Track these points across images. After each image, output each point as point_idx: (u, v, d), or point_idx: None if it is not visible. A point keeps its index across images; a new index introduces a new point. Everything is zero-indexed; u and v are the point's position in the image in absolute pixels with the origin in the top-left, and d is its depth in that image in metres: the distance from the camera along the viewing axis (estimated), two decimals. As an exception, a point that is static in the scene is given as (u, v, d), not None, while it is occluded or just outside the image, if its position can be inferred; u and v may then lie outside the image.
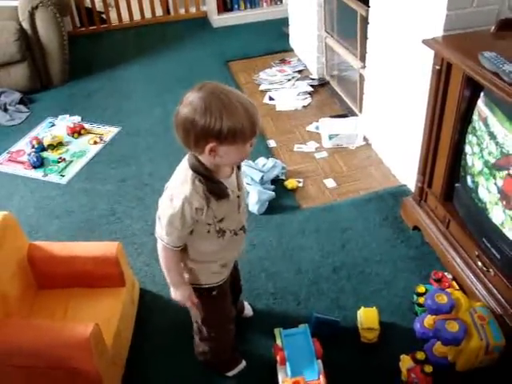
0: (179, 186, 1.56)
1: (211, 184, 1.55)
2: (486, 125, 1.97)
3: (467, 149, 2.16)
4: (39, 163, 3.48)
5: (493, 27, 2.12)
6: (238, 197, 1.68)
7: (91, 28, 5.69)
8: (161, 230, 1.63)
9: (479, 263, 2.18)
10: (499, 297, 2.09)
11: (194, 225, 1.61)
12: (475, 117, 2.06)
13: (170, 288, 1.80)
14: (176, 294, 1.80)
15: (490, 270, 2.11)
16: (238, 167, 1.69)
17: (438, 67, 2.16)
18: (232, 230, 1.71)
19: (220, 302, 1.88)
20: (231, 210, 1.66)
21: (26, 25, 4.19)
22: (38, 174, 3.42)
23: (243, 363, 2.11)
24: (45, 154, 3.60)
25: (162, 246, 1.67)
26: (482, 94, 2.00)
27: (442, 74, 2.16)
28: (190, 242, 1.69)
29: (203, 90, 1.45)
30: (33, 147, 3.60)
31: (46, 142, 3.66)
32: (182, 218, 1.56)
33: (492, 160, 1.97)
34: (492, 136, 1.94)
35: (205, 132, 1.42)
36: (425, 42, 2.17)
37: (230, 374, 2.09)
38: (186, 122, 1.45)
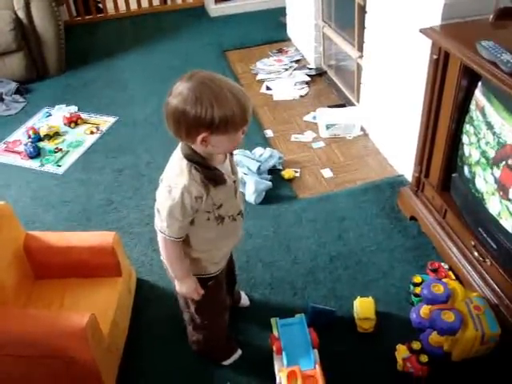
0: (176, 177, 1.54)
1: (207, 171, 1.54)
2: (484, 114, 1.97)
3: (464, 139, 2.16)
4: (36, 153, 3.48)
5: (491, 16, 2.11)
6: (234, 182, 1.67)
7: (87, 17, 5.65)
8: (161, 223, 1.61)
9: (475, 253, 2.19)
10: (495, 287, 2.09)
11: (194, 214, 1.60)
12: (472, 106, 2.05)
13: (175, 281, 1.79)
14: (181, 288, 1.78)
15: (487, 260, 2.11)
16: (231, 153, 1.69)
17: (435, 56, 2.15)
18: (230, 216, 1.71)
19: (215, 292, 1.88)
20: (229, 196, 1.66)
21: (21, 14, 4.17)
22: (34, 164, 3.41)
23: (239, 352, 2.12)
24: (41, 144, 3.59)
25: (163, 239, 1.65)
26: (479, 83, 1.99)
27: (440, 64, 2.15)
28: (192, 231, 1.68)
29: (193, 79, 1.43)
30: (29, 137, 3.60)
31: (42, 132, 3.65)
32: (182, 208, 1.55)
33: (489, 150, 1.97)
34: (489, 126, 1.94)
35: (196, 122, 1.41)
36: (422, 31, 2.16)
37: (226, 362, 2.10)
38: (176, 113, 1.44)
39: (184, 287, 1.77)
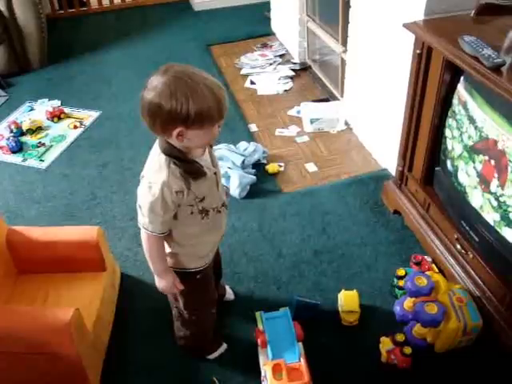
0: (155, 173, 1.54)
1: (186, 165, 1.54)
2: (466, 109, 1.98)
3: (447, 133, 2.17)
4: (18, 148, 3.45)
5: (473, 11, 2.12)
6: (215, 173, 1.67)
7: (70, 11, 5.60)
8: (143, 219, 1.60)
9: (458, 246, 2.21)
10: (477, 279, 2.12)
11: (176, 208, 1.60)
12: (455, 101, 2.07)
13: (155, 277, 1.78)
14: (161, 283, 1.77)
15: (469, 252, 2.13)
16: (210, 145, 1.69)
17: (418, 51, 2.17)
18: (215, 208, 1.71)
19: (203, 286, 1.88)
20: (211, 188, 1.66)
21: (2, 7, 4.13)
22: (16, 159, 3.38)
23: (224, 346, 2.13)
24: (24, 139, 3.56)
25: (146, 236, 1.65)
26: (461, 78, 2.00)
27: (423, 58, 2.16)
28: (176, 225, 1.68)
29: (168, 73, 1.41)
30: (11, 132, 3.56)
31: (24, 127, 3.62)
32: (163, 204, 1.54)
33: (471, 144, 1.98)
34: (471, 120, 1.95)
35: (171, 117, 1.41)
36: (405, 25, 2.17)
37: (211, 356, 2.10)
38: (151, 107, 1.43)
39: (162, 282, 1.77)
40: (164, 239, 1.70)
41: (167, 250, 1.75)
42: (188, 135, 1.46)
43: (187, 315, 1.94)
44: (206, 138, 1.51)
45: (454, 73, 2.05)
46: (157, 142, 1.57)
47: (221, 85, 1.46)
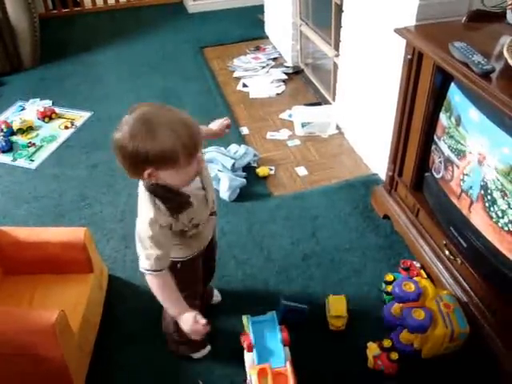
0: (144, 211, 1.56)
1: (170, 201, 1.54)
2: (456, 114, 1.99)
3: (437, 138, 2.17)
4: (8, 147, 3.43)
5: (464, 18, 2.13)
6: (205, 194, 1.68)
7: (64, 11, 5.60)
8: (142, 258, 1.59)
9: (447, 252, 2.21)
10: (465, 285, 2.12)
11: (170, 242, 1.63)
12: (445, 106, 2.07)
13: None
14: (185, 324, 1.61)
15: (457, 258, 2.13)
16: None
17: (409, 56, 2.17)
18: (204, 221, 1.73)
19: (185, 276, 1.82)
20: (199, 209, 1.66)
21: (-5, 5, 4.11)
22: (6, 159, 3.36)
23: (208, 347, 2.12)
24: (14, 139, 3.55)
25: (149, 278, 1.61)
26: (452, 83, 2.01)
27: (414, 64, 2.16)
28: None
29: (134, 113, 1.42)
30: (1, 131, 3.54)
31: (15, 126, 3.60)
32: (154, 240, 1.54)
33: (461, 149, 1.99)
34: (460, 125, 1.96)
35: (134, 158, 1.41)
36: (397, 31, 2.17)
37: (195, 356, 2.10)
38: (117, 148, 1.43)
39: (184, 326, 1.62)
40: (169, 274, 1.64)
41: None
42: (160, 175, 1.47)
43: None
44: (182, 177, 1.50)
45: (444, 78, 2.05)
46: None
47: (191, 123, 1.44)
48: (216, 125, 1.93)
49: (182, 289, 1.86)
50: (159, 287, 1.62)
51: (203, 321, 1.59)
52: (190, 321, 1.58)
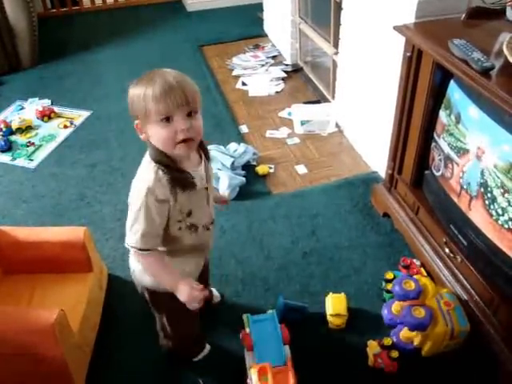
0: (142, 179, 1.50)
1: (174, 173, 1.48)
2: (455, 112, 1.98)
3: (437, 136, 2.17)
4: (7, 147, 3.43)
5: (463, 15, 2.13)
6: (206, 188, 1.63)
7: (63, 10, 5.60)
8: (128, 233, 1.54)
9: (447, 250, 2.20)
10: (465, 283, 2.11)
11: (162, 223, 1.53)
12: (445, 104, 2.07)
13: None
14: (181, 294, 1.57)
15: (457, 256, 2.13)
16: (207, 158, 1.64)
17: (408, 54, 2.16)
18: (204, 225, 1.68)
19: (184, 304, 1.71)
20: (199, 203, 1.62)
21: (-7, 5, 4.10)
22: (5, 158, 3.36)
23: (207, 348, 2.12)
24: (13, 138, 3.54)
25: (135, 255, 1.60)
26: (451, 81, 2.00)
27: (413, 61, 2.16)
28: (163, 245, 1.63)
29: None
30: (0, 131, 3.54)
31: (14, 126, 3.60)
32: (146, 212, 1.48)
33: (460, 147, 1.98)
34: (459, 123, 1.95)
35: (129, 106, 1.46)
36: (396, 28, 2.17)
37: (196, 359, 2.09)
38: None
39: (181, 295, 1.57)
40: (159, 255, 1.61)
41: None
42: (148, 131, 1.46)
43: (169, 330, 1.93)
44: (165, 136, 1.43)
45: (443, 76, 2.05)
46: (147, 151, 1.54)
47: (187, 82, 1.45)
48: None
49: (183, 316, 1.81)
50: (150, 266, 1.61)
51: (199, 286, 1.57)
52: (187, 290, 1.55)
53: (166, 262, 1.63)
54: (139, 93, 1.40)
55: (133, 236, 1.52)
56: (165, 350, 2.08)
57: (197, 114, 1.46)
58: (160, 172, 1.48)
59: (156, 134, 1.45)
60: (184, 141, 1.44)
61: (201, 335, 2.10)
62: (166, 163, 1.48)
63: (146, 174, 1.49)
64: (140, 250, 1.54)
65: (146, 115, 1.41)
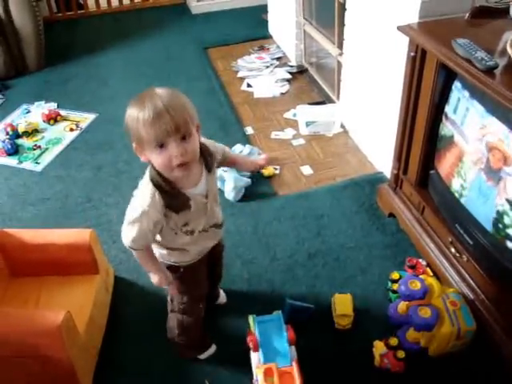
0: (140, 199, 1.57)
1: (170, 198, 1.54)
2: (460, 111, 1.98)
3: (441, 136, 2.17)
4: (14, 150, 3.44)
5: (467, 14, 2.12)
6: (206, 203, 1.67)
7: (68, 13, 5.62)
8: (122, 232, 1.64)
9: (453, 249, 2.20)
10: (471, 282, 2.11)
11: (153, 234, 1.63)
12: (449, 103, 2.06)
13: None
14: (153, 279, 1.80)
15: (463, 256, 2.13)
16: (209, 170, 1.65)
17: (412, 54, 2.16)
18: (201, 230, 1.73)
19: (188, 279, 1.86)
20: (195, 216, 1.66)
21: (-1, 9, 4.12)
22: (12, 161, 3.37)
23: (213, 347, 2.12)
24: (19, 141, 3.56)
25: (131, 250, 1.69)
26: (455, 80, 2.00)
27: (417, 61, 2.15)
28: (161, 237, 1.72)
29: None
30: (7, 134, 3.55)
31: (20, 129, 3.61)
32: (139, 227, 1.57)
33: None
34: (464, 122, 1.95)
35: (125, 129, 1.49)
36: (400, 28, 2.16)
37: (201, 357, 2.10)
38: None
39: (155, 279, 1.79)
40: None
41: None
42: (146, 154, 1.49)
43: (176, 302, 1.96)
44: (163, 160, 1.47)
45: (448, 75, 2.05)
46: (148, 167, 1.58)
47: (171, 102, 1.43)
48: (250, 159, 2.02)
49: (185, 291, 1.90)
50: (138, 259, 1.74)
51: (171, 280, 1.80)
52: (158, 278, 1.77)
53: (154, 257, 1.76)
54: (133, 117, 1.44)
55: (125, 237, 1.63)
56: (170, 336, 2.09)
57: (191, 137, 1.47)
58: (156, 196, 1.53)
59: (153, 160, 1.49)
60: (180, 165, 1.48)
61: (205, 335, 2.11)
62: (164, 188, 1.53)
63: (144, 194, 1.56)
64: (130, 247, 1.66)
65: (142, 141, 1.46)
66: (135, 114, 1.42)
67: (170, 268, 1.82)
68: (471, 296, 2.09)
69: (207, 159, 1.65)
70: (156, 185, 1.53)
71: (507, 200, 1.76)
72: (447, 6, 2.23)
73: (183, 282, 1.87)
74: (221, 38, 4.95)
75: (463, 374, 2.01)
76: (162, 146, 1.43)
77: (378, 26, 2.74)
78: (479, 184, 1.92)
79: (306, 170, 3.16)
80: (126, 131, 1.49)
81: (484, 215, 1.93)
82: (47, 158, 3.39)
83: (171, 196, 1.54)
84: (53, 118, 3.76)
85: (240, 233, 2.68)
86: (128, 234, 1.61)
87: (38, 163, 3.34)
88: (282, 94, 3.98)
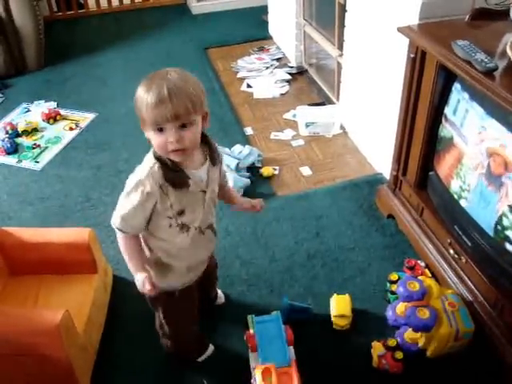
0: (138, 171, 1.55)
1: (169, 171, 1.52)
2: (460, 113, 1.98)
3: (441, 137, 2.17)
4: (13, 149, 3.44)
5: (467, 16, 2.13)
6: (204, 192, 1.64)
7: (68, 13, 5.61)
8: (114, 215, 1.61)
9: (451, 251, 2.20)
10: (470, 284, 2.11)
11: (144, 217, 1.59)
12: (449, 105, 2.07)
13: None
14: (137, 282, 1.70)
15: (462, 257, 2.13)
16: (213, 163, 1.64)
17: (412, 55, 2.16)
18: (197, 227, 1.69)
19: (181, 304, 1.84)
20: (193, 204, 1.63)
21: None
22: (11, 160, 3.37)
23: (211, 348, 2.12)
24: (19, 140, 3.56)
25: (117, 234, 1.65)
26: (455, 82, 2.00)
27: (417, 62, 2.16)
28: (154, 237, 1.68)
29: None
30: (7, 133, 3.55)
31: (20, 128, 3.62)
32: (131, 200, 1.54)
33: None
34: (464, 124, 1.95)
35: (134, 104, 1.49)
36: (400, 29, 2.17)
37: (200, 359, 2.09)
38: None
39: (136, 280, 1.70)
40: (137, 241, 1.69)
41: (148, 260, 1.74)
42: (147, 134, 1.50)
43: (166, 328, 1.95)
44: (158, 142, 1.47)
45: (447, 77, 2.05)
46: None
47: (179, 88, 1.41)
48: (250, 202, 1.99)
49: (180, 315, 1.87)
50: (122, 246, 1.67)
51: (148, 287, 1.64)
52: (140, 282, 1.66)
53: (139, 251, 1.70)
54: (140, 96, 1.44)
55: (115, 215, 1.60)
56: (165, 350, 2.09)
57: (192, 125, 1.46)
58: (156, 167, 1.52)
59: (152, 139, 1.50)
60: (175, 151, 1.47)
61: (201, 335, 2.10)
62: (165, 161, 1.52)
63: (143, 167, 1.55)
64: (118, 228, 1.61)
65: (144, 120, 1.47)
66: (142, 95, 1.43)
67: (163, 293, 1.77)
68: (470, 297, 2.10)
69: (212, 153, 1.65)
70: (158, 158, 1.52)
71: (509, 206, 1.76)
72: (447, 8, 2.23)
73: (178, 306, 1.84)
74: (221, 38, 4.95)
75: (461, 375, 2.01)
76: (160, 129, 1.45)
77: (378, 27, 2.74)
78: (480, 189, 1.92)
79: (306, 170, 3.16)
80: (135, 108, 1.48)
81: (485, 219, 1.94)
82: (46, 157, 3.39)
83: (171, 170, 1.52)
84: (52, 118, 3.76)
85: (239, 233, 2.69)
86: (119, 211, 1.58)
87: (38, 162, 3.34)
88: (282, 94, 3.98)
